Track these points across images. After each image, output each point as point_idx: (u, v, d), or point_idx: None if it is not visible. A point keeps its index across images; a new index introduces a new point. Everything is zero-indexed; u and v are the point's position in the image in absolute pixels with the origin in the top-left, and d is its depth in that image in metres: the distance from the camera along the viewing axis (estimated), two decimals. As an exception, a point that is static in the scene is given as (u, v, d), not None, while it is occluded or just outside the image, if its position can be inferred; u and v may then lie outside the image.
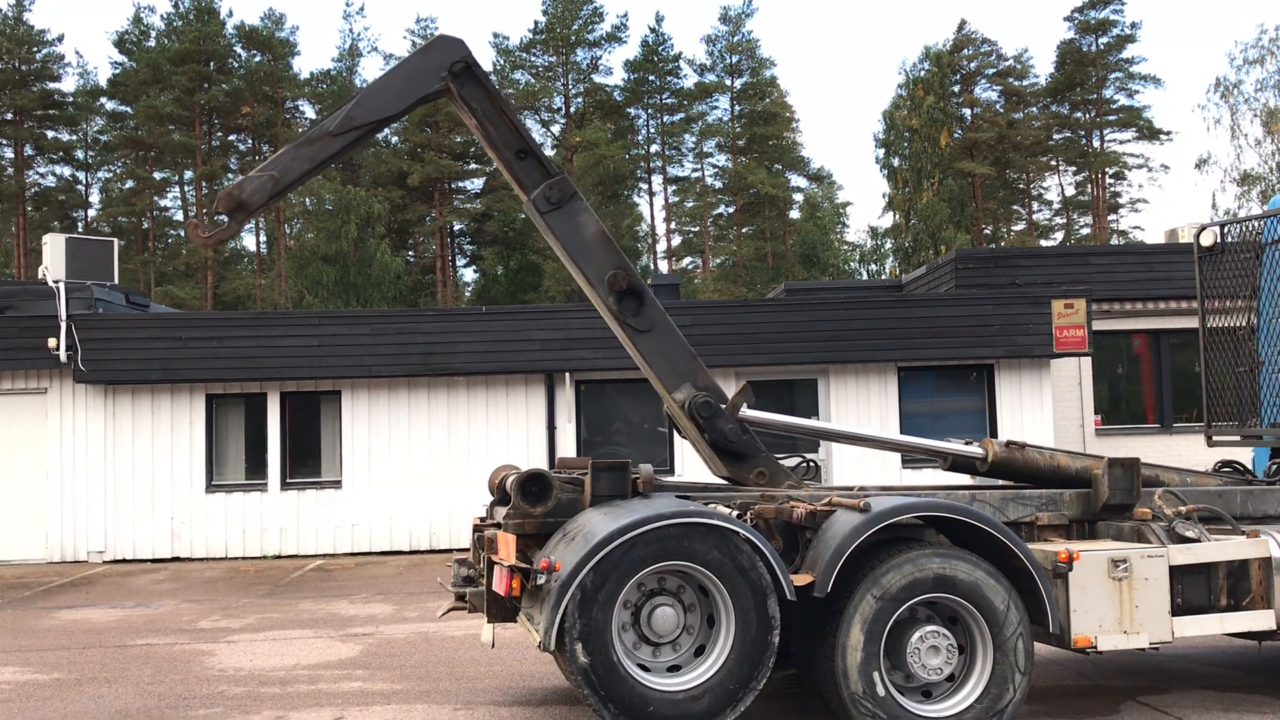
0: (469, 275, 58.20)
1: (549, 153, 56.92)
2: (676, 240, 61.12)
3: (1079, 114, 58.14)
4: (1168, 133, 57.22)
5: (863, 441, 8.25)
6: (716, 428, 6.85)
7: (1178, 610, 6.14)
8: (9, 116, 54.42)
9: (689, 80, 58.06)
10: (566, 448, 16.91)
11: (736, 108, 57.92)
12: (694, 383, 6.96)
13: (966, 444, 7.24)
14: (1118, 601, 6.01)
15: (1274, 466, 7.89)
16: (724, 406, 6.90)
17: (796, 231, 54.77)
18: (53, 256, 16.96)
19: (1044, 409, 17.49)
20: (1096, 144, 58.13)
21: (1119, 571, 6.02)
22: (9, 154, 55.20)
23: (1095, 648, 6.00)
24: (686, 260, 61.13)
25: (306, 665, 8.92)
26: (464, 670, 8.49)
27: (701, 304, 20.35)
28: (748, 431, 6.97)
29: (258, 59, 55.51)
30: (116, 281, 18.00)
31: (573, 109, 57.14)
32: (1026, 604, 5.92)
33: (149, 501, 16.59)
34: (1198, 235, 8.42)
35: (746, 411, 6.96)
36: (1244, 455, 9.03)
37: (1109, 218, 58.82)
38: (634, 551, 5.53)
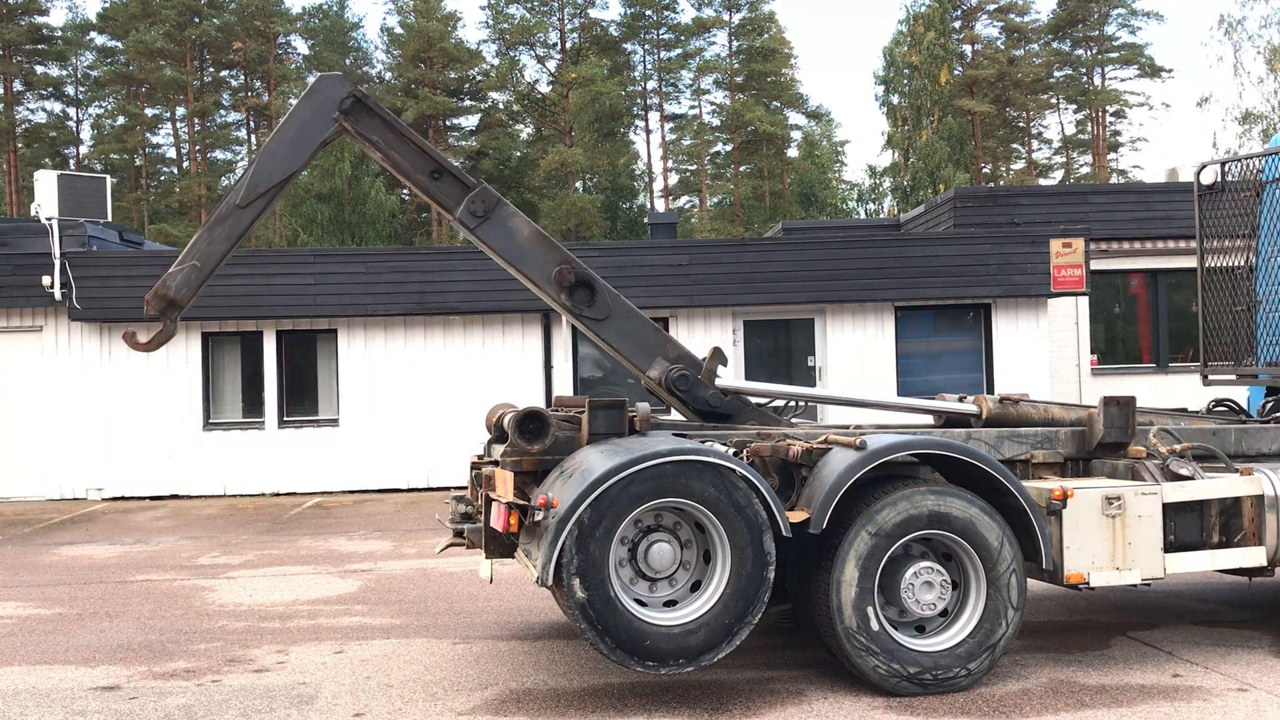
0: (464, 213, 57.73)
1: (545, 90, 56.41)
2: (673, 179, 60.74)
3: (1080, 51, 57.59)
4: (1169, 70, 56.78)
5: (850, 404, 8.18)
6: (698, 397, 6.87)
7: (1170, 547, 6.19)
8: (-2, 51, 53.74)
9: (686, 15, 57.34)
10: (563, 386, 16.94)
11: (734, 44, 57.25)
12: (664, 356, 6.93)
13: (960, 400, 7.23)
14: (1111, 538, 6.06)
15: (1269, 405, 7.93)
16: (700, 376, 6.88)
17: (794, 170, 54.42)
18: (45, 194, 16.83)
19: (1040, 348, 17.52)
20: (1097, 82, 57.62)
21: (1113, 509, 6.06)
22: (-2, 90, 54.60)
23: (1088, 584, 6.06)
24: (683, 199, 60.79)
25: (306, 600, 9.01)
26: (462, 605, 8.57)
27: (698, 243, 20.28)
28: (729, 392, 6.97)
29: (249, -8, 54.70)
30: (110, 219, 17.89)
31: (568, 45, 56.42)
32: (1020, 541, 5.97)
33: (146, 440, 16.63)
34: (1198, 173, 8.37)
35: (726, 383, 6.95)
36: (1239, 394, 9.06)
37: (1109, 156, 58.49)
38: (631, 489, 5.55)
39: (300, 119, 6.68)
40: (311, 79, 6.93)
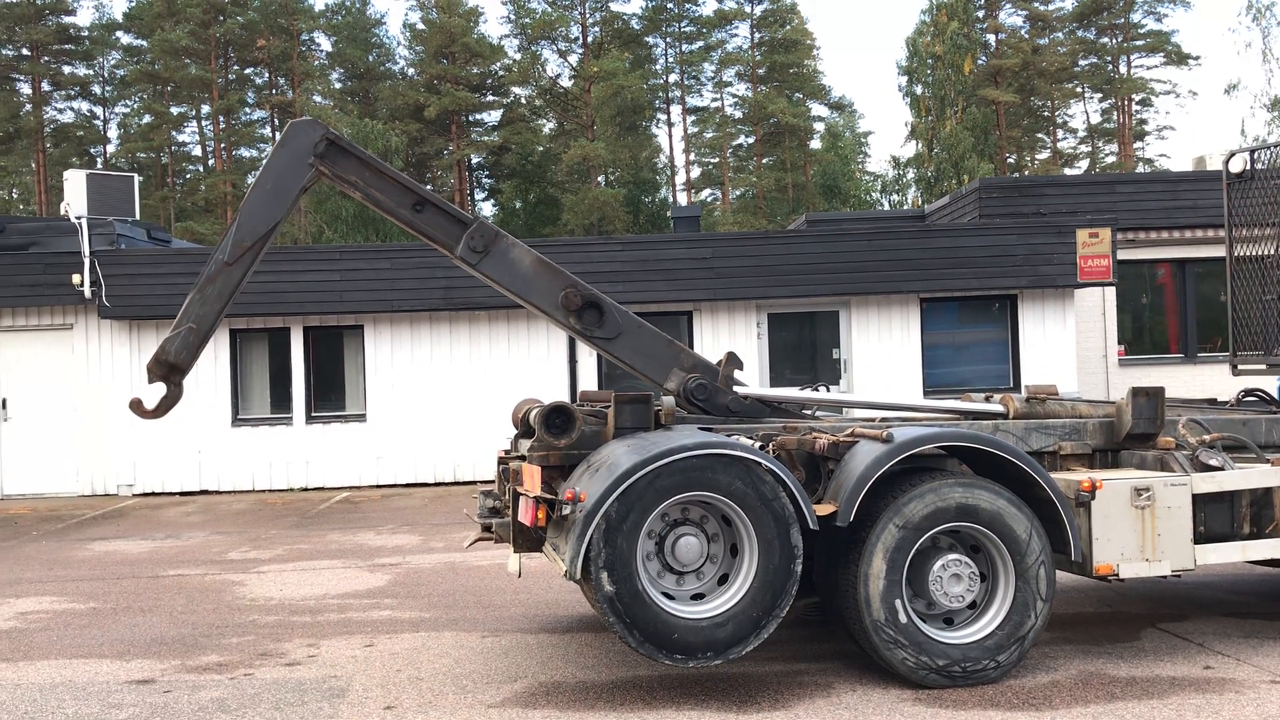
0: (487, 209, 57.98)
1: (567, 84, 56.40)
2: (696, 172, 60.67)
3: (1105, 39, 57.05)
4: (1196, 57, 56.25)
5: (872, 408, 8.07)
6: (717, 404, 6.86)
7: (1200, 538, 6.16)
8: (25, 51, 54.21)
9: (708, 8, 57.21)
10: (588, 381, 16.98)
11: (756, 35, 57.05)
12: (680, 366, 6.93)
13: (987, 399, 7.20)
14: (1140, 529, 6.03)
15: (1300, 395, 7.86)
16: (717, 382, 6.88)
17: (817, 162, 54.19)
18: (74, 193, 17.02)
19: (1067, 340, 17.42)
20: (1123, 70, 57.10)
21: (1142, 500, 6.03)
22: (26, 89, 55.11)
23: (1117, 575, 6.03)
24: (706, 192, 60.69)
25: (336, 595, 9.08)
26: (491, 599, 8.62)
27: (722, 236, 20.26)
28: (748, 395, 6.97)
29: (272, -10, 54.98)
30: (138, 217, 18.06)
31: (590, 39, 56.39)
32: (1048, 532, 5.95)
33: (176, 436, 16.77)
34: (1227, 161, 8.30)
35: (743, 389, 6.94)
36: (1269, 384, 8.99)
37: (1135, 145, 57.99)
38: (657, 482, 5.57)
39: (276, 169, 6.63)
40: (290, 121, 6.86)
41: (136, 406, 6.67)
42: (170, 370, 6.58)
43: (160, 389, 6.62)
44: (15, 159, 55.92)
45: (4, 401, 16.96)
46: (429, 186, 56.11)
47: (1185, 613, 7.54)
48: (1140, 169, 53.37)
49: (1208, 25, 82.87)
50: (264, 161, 6.79)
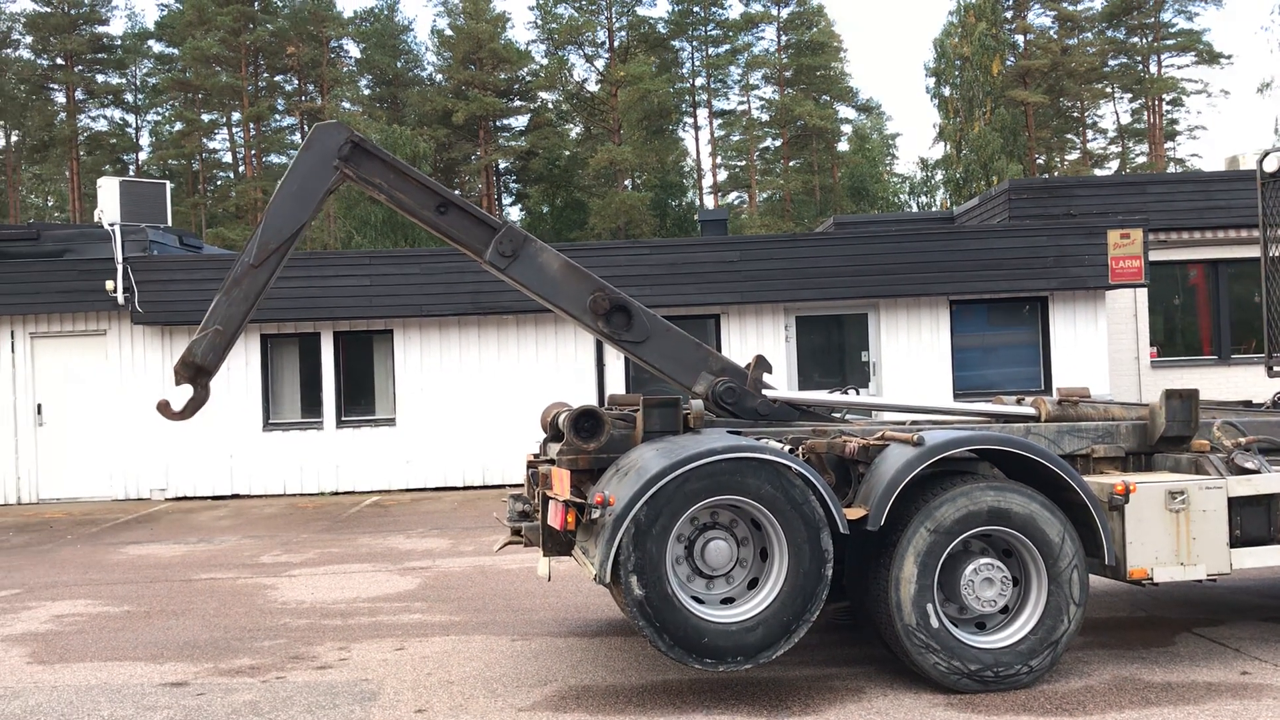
0: (515, 213, 58.19)
1: (593, 88, 56.49)
2: (723, 175, 60.66)
3: (1135, 39, 56.60)
4: (1228, 56, 55.75)
5: (901, 411, 8.01)
6: (746, 408, 6.84)
7: (1236, 542, 6.09)
8: (60, 61, 54.91)
9: (734, 11, 57.23)
10: (615, 385, 17.00)
11: (783, 38, 56.99)
12: (709, 370, 6.92)
13: (1018, 402, 7.14)
14: (1175, 533, 5.97)
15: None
16: (746, 386, 6.86)
17: (845, 164, 54.08)
18: (107, 200, 17.21)
19: (1098, 342, 17.27)
20: (1154, 69, 56.61)
21: (1176, 503, 5.97)
22: (60, 99, 55.81)
23: (1151, 580, 5.98)
24: (733, 195, 60.64)
25: (366, 598, 9.13)
26: (520, 603, 8.64)
27: (749, 239, 20.22)
28: (777, 399, 6.95)
29: (301, -2, 55.46)
30: (169, 224, 18.24)
31: (616, 43, 56.50)
32: (1082, 536, 5.91)
33: (208, 441, 16.91)
34: (1261, 161, 8.21)
35: (774, 393, 6.92)
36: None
37: (1166, 145, 57.46)
38: (686, 486, 5.56)
39: (301, 171, 6.67)
40: (312, 129, 6.90)
41: (164, 408, 6.71)
42: (197, 372, 6.62)
43: (187, 391, 6.66)
44: (50, 167, 56.71)
45: (39, 407, 17.16)
46: (457, 191, 56.36)
47: (1221, 617, 7.46)
48: (1171, 169, 52.88)
49: (1240, 24, 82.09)
50: (289, 165, 6.81)
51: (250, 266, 6.59)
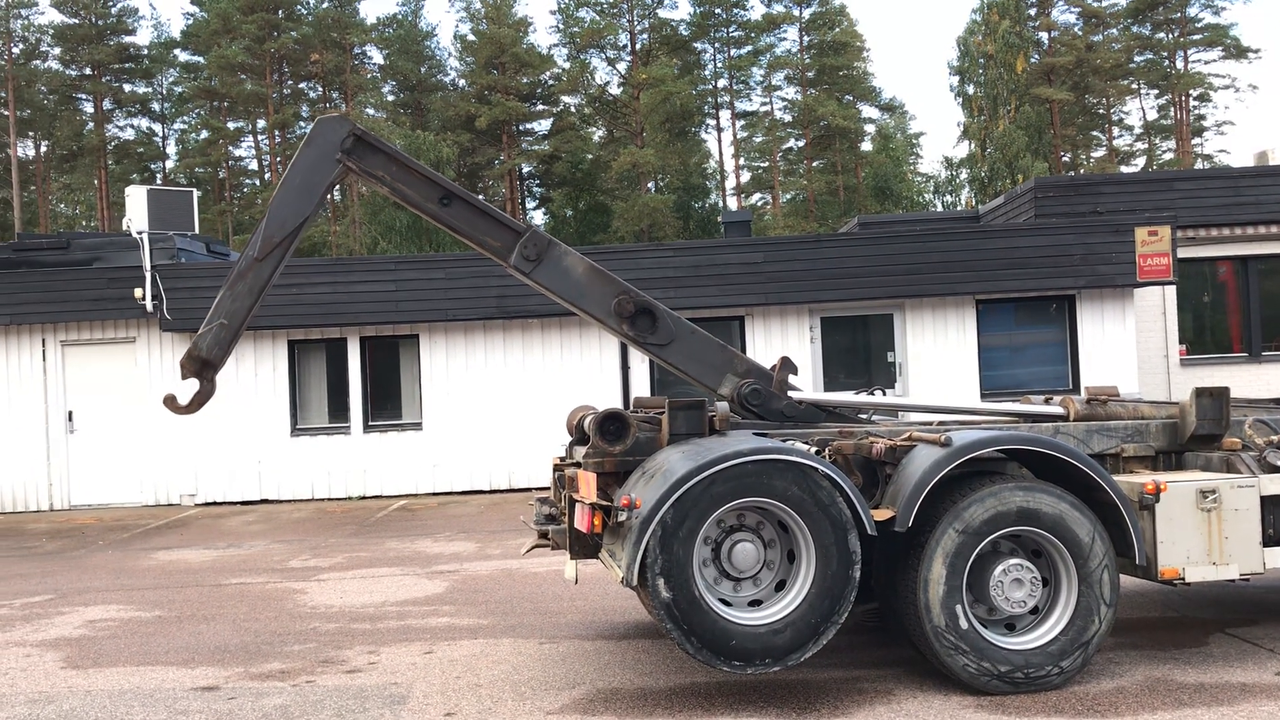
0: (539, 217, 58.31)
1: (616, 91, 56.54)
2: (746, 176, 60.52)
3: (1161, 34, 56.13)
4: (1256, 50, 55.09)
5: (928, 411, 7.95)
6: (772, 409, 6.83)
7: (1269, 540, 6.03)
8: (88, 71, 55.49)
9: (756, 12, 57.10)
10: (640, 387, 17.00)
11: (805, 38, 56.82)
12: (734, 372, 6.91)
13: (1046, 402, 7.09)
14: (1206, 532, 5.92)
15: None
16: (772, 388, 6.85)
17: (869, 164, 53.84)
18: (135, 208, 17.37)
19: (1127, 340, 17.13)
20: (1180, 65, 56.12)
21: (1208, 502, 5.92)
22: (89, 108, 56.40)
23: (1183, 579, 5.93)
24: (756, 196, 60.54)
25: (395, 602, 9.17)
26: (548, 605, 8.65)
27: (773, 240, 20.17)
28: (803, 400, 6.93)
29: (325, 5, 55.75)
30: (197, 231, 18.38)
31: (638, 46, 56.52)
32: (1112, 536, 5.86)
33: (237, 446, 17.04)
34: (1291, 156, 8.13)
35: (800, 395, 6.90)
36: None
37: (1193, 141, 56.94)
38: (713, 489, 5.56)
39: (304, 165, 6.70)
40: (314, 120, 6.95)
41: (170, 402, 6.75)
42: (203, 366, 6.67)
43: (193, 385, 6.70)
44: (79, 176, 57.28)
45: (70, 414, 17.33)
46: (481, 196, 56.53)
47: (1255, 617, 7.39)
48: (1199, 165, 52.40)
49: (1268, 17, 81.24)
50: (292, 158, 6.85)
51: (254, 260, 6.66)
